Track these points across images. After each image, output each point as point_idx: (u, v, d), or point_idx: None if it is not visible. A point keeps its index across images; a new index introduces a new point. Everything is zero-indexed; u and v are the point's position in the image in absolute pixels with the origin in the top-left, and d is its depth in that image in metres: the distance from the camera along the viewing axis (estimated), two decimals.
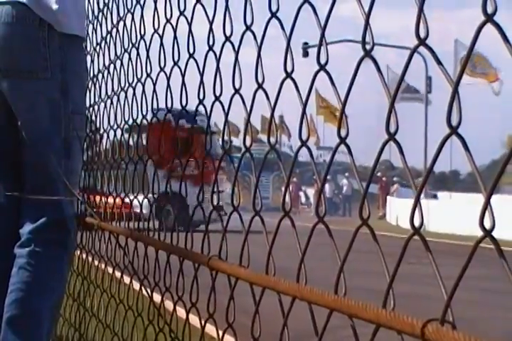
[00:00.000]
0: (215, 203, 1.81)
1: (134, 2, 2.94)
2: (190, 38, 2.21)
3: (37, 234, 2.77)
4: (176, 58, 2.36)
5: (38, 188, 2.79)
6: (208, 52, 2.04)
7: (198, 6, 2.14)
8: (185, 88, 2.26)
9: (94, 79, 3.79)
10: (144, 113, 2.76)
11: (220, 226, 1.91)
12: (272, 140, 1.70)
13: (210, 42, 2.02)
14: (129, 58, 3.00)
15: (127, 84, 3.03)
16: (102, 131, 3.63)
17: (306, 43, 31.31)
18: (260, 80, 1.68)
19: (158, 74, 2.56)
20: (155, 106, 2.63)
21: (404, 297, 1.21)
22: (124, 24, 3.11)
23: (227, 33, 1.90)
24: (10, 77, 2.77)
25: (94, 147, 3.73)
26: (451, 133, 0.98)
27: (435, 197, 30.63)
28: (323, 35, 1.36)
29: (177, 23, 2.36)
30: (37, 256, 2.75)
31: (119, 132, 3.15)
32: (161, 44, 2.53)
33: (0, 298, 2.73)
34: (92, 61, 3.75)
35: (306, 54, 32.18)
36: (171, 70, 2.41)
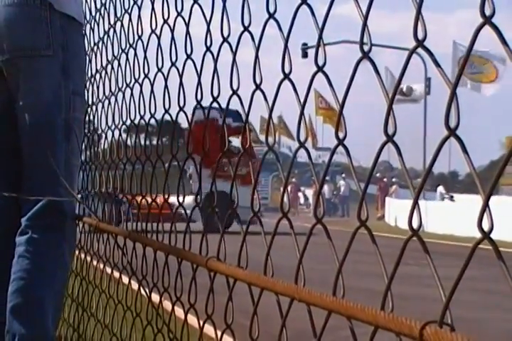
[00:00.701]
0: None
1: (132, 2, 2.93)
2: (188, 38, 2.20)
3: (34, 220, 2.78)
4: (173, 59, 2.36)
5: (38, 173, 2.79)
6: (205, 52, 2.03)
7: (196, 6, 2.14)
8: (183, 89, 2.26)
9: (92, 80, 3.79)
10: (142, 113, 2.76)
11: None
12: (270, 140, 1.70)
13: (208, 43, 2.02)
14: (127, 59, 3.00)
15: (125, 85, 3.03)
16: (99, 131, 3.63)
17: (305, 44, 31.24)
18: (258, 81, 1.68)
19: (155, 75, 2.55)
20: (152, 107, 2.62)
21: (402, 298, 1.22)
22: (122, 24, 3.11)
23: (225, 34, 1.90)
24: (14, 56, 2.78)
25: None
26: (449, 135, 0.98)
27: (452, 198, 30.40)
28: (320, 37, 1.36)
29: (174, 24, 2.36)
30: (35, 242, 2.75)
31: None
32: (159, 44, 2.53)
33: (3, 287, 2.74)
34: (90, 61, 3.74)
35: (305, 55, 32.12)
36: (169, 71, 2.40)
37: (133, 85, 2.89)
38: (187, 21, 2.24)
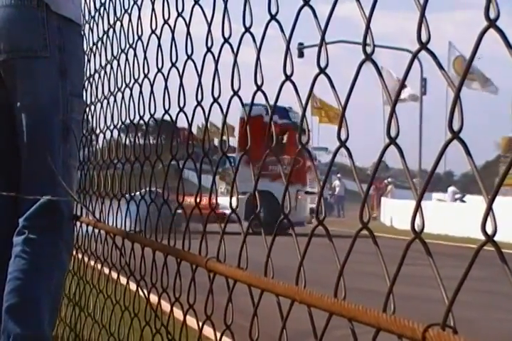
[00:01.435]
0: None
1: (132, 2, 2.93)
2: (189, 39, 2.20)
3: (30, 220, 2.77)
4: (173, 59, 2.36)
5: (36, 174, 2.79)
6: (206, 53, 2.03)
7: (197, 6, 2.14)
8: (183, 89, 2.26)
9: (91, 79, 3.78)
10: (142, 114, 2.75)
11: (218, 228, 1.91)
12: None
13: (209, 44, 2.02)
14: (126, 59, 3.00)
15: (124, 85, 3.03)
16: (98, 130, 3.62)
17: (301, 44, 31.35)
18: (259, 82, 1.68)
19: (155, 75, 2.55)
20: (152, 107, 2.62)
21: (402, 298, 1.21)
22: (121, 24, 3.10)
23: (226, 35, 1.89)
24: (11, 57, 2.78)
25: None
26: (452, 137, 0.98)
27: (462, 200, 30.29)
28: (323, 39, 1.36)
29: (175, 24, 2.35)
30: (31, 243, 2.75)
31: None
32: (159, 45, 2.52)
33: (0, 287, 2.74)
34: (89, 61, 3.74)
35: (301, 54, 32.24)
36: (169, 71, 2.40)
37: (132, 85, 2.89)
38: (188, 22, 2.24)
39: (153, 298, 2.50)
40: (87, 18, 3.78)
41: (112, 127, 3.31)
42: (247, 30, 1.75)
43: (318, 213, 1.28)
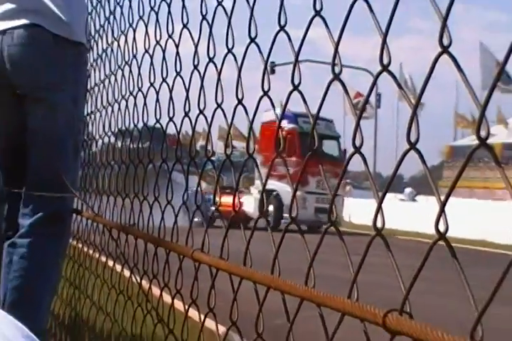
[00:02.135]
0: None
1: (127, 25, 2.92)
2: (178, 58, 2.20)
3: (36, 227, 2.74)
4: (164, 75, 2.35)
5: (43, 183, 2.76)
6: (193, 70, 2.02)
7: (185, 29, 2.14)
8: (173, 102, 2.25)
9: (91, 91, 3.76)
10: (136, 122, 2.74)
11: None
12: (250, 148, 1.69)
13: (195, 62, 2.01)
14: (123, 74, 2.98)
15: (121, 97, 3.02)
16: (97, 136, 3.61)
17: (273, 62, 31.51)
18: (240, 96, 1.67)
19: (148, 89, 2.54)
20: (145, 116, 2.61)
21: (363, 285, 1.21)
22: (118, 44, 3.09)
23: (211, 55, 1.89)
24: (32, 91, 2.74)
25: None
26: (410, 148, 0.97)
27: (414, 199, 30.70)
28: (297, 60, 1.35)
29: (166, 45, 2.35)
30: (36, 247, 2.72)
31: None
32: (151, 62, 2.51)
33: None
34: (89, 76, 3.72)
35: (272, 71, 32.43)
36: (160, 86, 2.39)
37: (128, 97, 2.87)
38: (177, 43, 2.23)
39: (145, 284, 2.48)
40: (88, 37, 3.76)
41: (109, 133, 3.30)
42: (230, 51, 1.74)
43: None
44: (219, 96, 1.82)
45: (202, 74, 1.96)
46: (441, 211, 0.89)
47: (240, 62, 1.69)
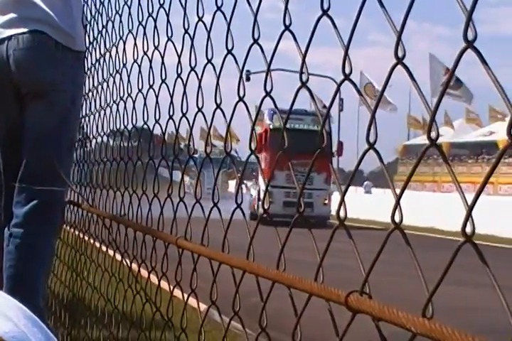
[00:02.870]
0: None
1: (118, 37, 2.90)
2: (163, 67, 2.18)
3: (30, 215, 2.68)
4: (151, 82, 2.33)
5: (38, 173, 2.71)
6: (176, 78, 2.01)
7: (169, 42, 2.12)
8: (159, 106, 2.24)
9: (86, 96, 3.73)
10: (126, 123, 2.72)
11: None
12: (228, 147, 1.68)
13: (179, 71, 1.99)
14: (114, 81, 2.96)
15: (112, 101, 2.99)
16: (91, 136, 3.58)
17: (248, 71, 31.48)
18: (218, 101, 1.66)
19: (137, 95, 2.52)
20: (134, 119, 2.59)
21: (328, 267, 1.20)
22: (110, 55, 3.06)
23: (192, 64, 1.87)
24: (35, 90, 2.70)
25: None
26: (369, 148, 0.97)
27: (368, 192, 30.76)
28: (269, 69, 1.34)
29: (152, 55, 2.33)
30: (30, 236, 2.66)
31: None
32: (139, 71, 2.50)
33: None
34: (84, 82, 3.68)
35: (248, 79, 32.38)
36: (147, 92, 2.37)
37: (119, 102, 2.85)
38: (162, 53, 2.22)
39: (135, 267, 2.47)
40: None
41: (102, 133, 3.27)
42: (209, 61, 1.73)
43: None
44: (200, 101, 1.81)
45: (184, 81, 1.95)
46: (397, 204, 0.89)
47: (218, 71, 1.68)
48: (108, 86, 3.09)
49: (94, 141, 3.53)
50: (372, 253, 0.97)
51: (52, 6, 2.68)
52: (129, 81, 2.69)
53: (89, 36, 3.65)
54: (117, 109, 2.86)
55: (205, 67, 1.76)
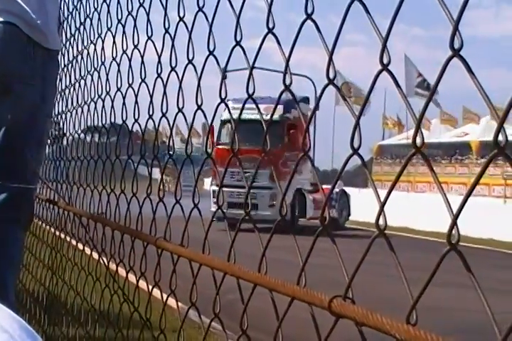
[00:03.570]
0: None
1: (97, 35, 2.87)
2: (143, 66, 2.16)
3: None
4: (130, 81, 2.31)
5: (5, 170, 2.66)
6: (156, 78, 2.00)
7: (149, 41, 2.11)
8: (138, 105, 2.22)
9: (62, 93, 3.70)
10: (104, 122, 2.70)
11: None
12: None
13: (159, 71, 1.98)
14: (92, 79, 2.93)
15: (90, 99, 2.96)
16: (68, 134, 3.55)
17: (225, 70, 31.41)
18: (199, 102, 1.66)
19: (115, 93, 2.50)
20: (112, 118, 2.57)
21: (310, 267, 1.19)
22: (88, 52, 3.04)
23: (173, 65, 1.86)
24: (5, 81, 2.66)
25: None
26: (353, 153, 0.97)
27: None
28: (251, 73, 1.34)
29: (132, 54, 2.31)
30: None
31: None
32: (118, 70, 2.47)
33: None
34: (61, 79, 3.65)
35: (225, 77, 32.28)
36: (126, 91, 2.35)
37: (97, 100, 2.82)
38: (142, 52, 2.20)
39: (113, 267, 2.45)
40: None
41: (79, 131, 3.25)
42: (190, 62, 1.71)
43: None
44: (180, 101, 1.80)
45: (165, 81, 1.93)
46: (381, 210, 0.89)
47: (199, 73, 1.67)
48: (86, 84, 3.06)
49: (71, 137, 3.50)
50: (352, 252, 0.97)
51: (27, 2, 2.64)
52: (107, 79, 2.67)
53: (65, 33, 3.61)
54: (95, 107, 2.84)
55: (185, 68, 1.75)
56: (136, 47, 2.25)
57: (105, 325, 2.50)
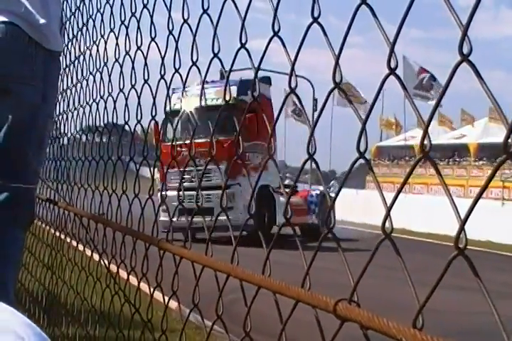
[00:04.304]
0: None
1: (99, 36, 2.87)
2: (146, 68, 2.16)
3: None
4: (133, 82, 2.31)
5: (6, 169, 2.66)
6: (160, 79, 1.99)
7: (153, 43, 2.11)
8: (140, 106, 2.22)
9: (64, 94, 3.69)
10: (105, 122, 2.70)
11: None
12: None
13: (162, 72, 1.98)
14: (94, 80, 2.93)
15: (92, 100, 2.96)
16: (69, 134, 3.54)
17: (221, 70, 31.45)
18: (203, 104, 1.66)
19: (118, 94, 2.49)
20: (115, 119, 2.57)
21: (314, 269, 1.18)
22: (90, 53, 3.03)
23: (176, 66, 1.86)
24: (5, 81, 2.65)
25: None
26: (359, 157, 0.97)
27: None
28: (256, 76, 1.34)
29: (135, 55, 2.31)
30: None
31: None
32: (121, 71, 2.47)
33: None
34: (62, 80, 3.64)
35: (222, 77, 32.28)
36: (129, 91, 2.35)
37: (99, 101, 2.82)
38: (145, 54, 2.19)
39: (113, 268, 2.44)
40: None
41: (80, 131, 3.25)
42: (194, 63, 1.71)
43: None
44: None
45: (168, 83, 1.93)
46: (387, 215, 0.89)
47: (203, 75, 1.67)
48: (88, 84, 3.06)
49: (72, 138, 3.49)
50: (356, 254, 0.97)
51: (30, 2, 2.64)
52: (109, 80, 2.66)
53: (68, 33, 3.61)
54: (97, 108, 2.84)
55: (189, 70, 1.74)
56: (139, 48, 2.24)
57: (105, 325, 2.50)
